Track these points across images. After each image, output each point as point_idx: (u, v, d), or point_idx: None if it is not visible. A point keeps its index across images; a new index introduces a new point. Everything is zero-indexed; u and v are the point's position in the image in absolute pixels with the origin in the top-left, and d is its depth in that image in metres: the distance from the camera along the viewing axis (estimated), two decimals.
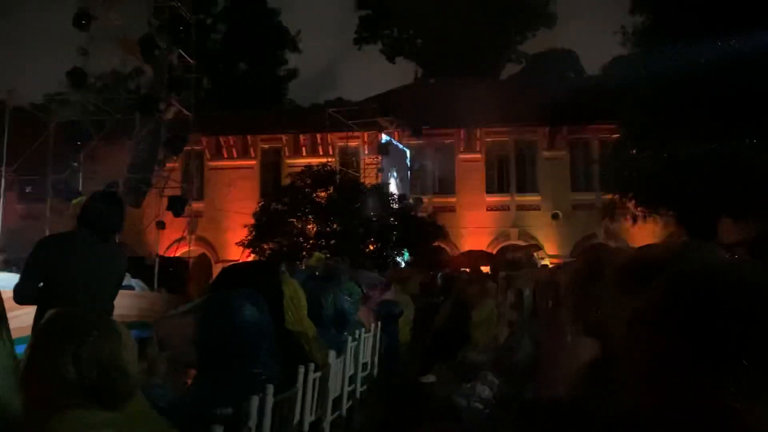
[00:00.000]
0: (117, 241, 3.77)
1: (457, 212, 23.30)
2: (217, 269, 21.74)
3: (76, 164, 16.81)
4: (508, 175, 23.94)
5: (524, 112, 21.50)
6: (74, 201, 4.75)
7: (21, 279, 3.35)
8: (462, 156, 23.99)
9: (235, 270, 3.46)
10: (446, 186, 24.03)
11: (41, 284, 3.27)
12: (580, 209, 22.42)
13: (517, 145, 23.91)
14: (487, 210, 23.48)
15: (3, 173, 17.48)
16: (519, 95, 21.63)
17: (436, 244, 20.08)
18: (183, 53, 17.75)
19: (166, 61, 16.89)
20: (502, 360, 4.84)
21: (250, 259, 18.11)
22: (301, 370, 2.87)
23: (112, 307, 3.52)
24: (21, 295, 3.25)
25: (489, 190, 23.84)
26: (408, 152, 23.48)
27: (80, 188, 16.55)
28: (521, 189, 23.74)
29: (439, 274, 10.63)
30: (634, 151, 15.81)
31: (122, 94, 18.67)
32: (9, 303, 1.02)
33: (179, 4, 16.89)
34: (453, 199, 23.70)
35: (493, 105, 20.75)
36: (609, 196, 18.50)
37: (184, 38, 17.33)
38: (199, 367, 2.53)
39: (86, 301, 3.18)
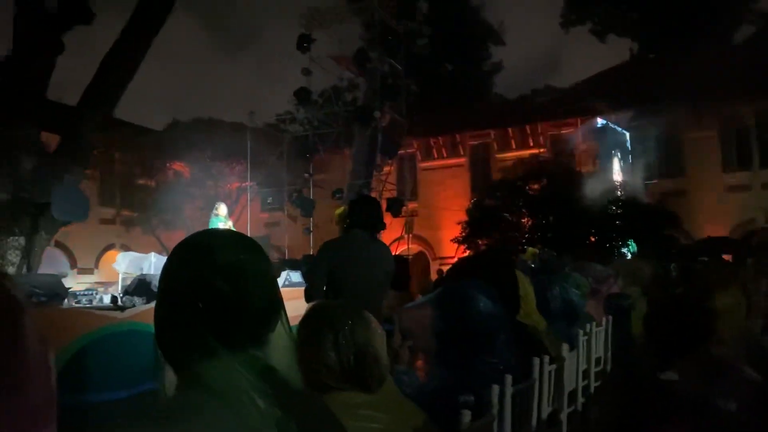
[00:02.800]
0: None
1: (689, 195, 21.16)
2: (434, 266, 22.39)
3: (307, 175, 18.53)
4: (749, 150, 21.15)
5: (766, 77, 18.89)
6: (337, 211, 5.24)
7: (310, 280, 3.62)
8: (691, 134, 21.78)
9: (471, 261, 3.53)
10: (674, 168, 21.92)
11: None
12: None
13: (759, 115, 20.99)
14: (726, 191, 20.98)
15: (248, 187, 19.93)
16: (757, 59, 19.01)
17: (666, 232, 18.50)
18: (393, 62, 18.58)
19: (378, 72, 17.83)
20: (758, 355, 4.33)
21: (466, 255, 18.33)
22: (537, 361, 2.85)
23: (384, 300, 3.68)
24: (311, 294, 3.47)
25: (726, 169, 21.27)
26: (628, 135, 21.95)
27: (311, 196, 18.24)
28: (766, 165, 20.86)
29: (672, 264, 9.78)
30: None
31: (341, 107, 20.03)
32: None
33: (387, 17, 17.73)
34: (683, 182, 21.62)
35: (727, 73, 18.49)
36: None
37: (393, 48, 18.13)
38: (438, 356, 2.64)
39: (365, 296, 3.30)
